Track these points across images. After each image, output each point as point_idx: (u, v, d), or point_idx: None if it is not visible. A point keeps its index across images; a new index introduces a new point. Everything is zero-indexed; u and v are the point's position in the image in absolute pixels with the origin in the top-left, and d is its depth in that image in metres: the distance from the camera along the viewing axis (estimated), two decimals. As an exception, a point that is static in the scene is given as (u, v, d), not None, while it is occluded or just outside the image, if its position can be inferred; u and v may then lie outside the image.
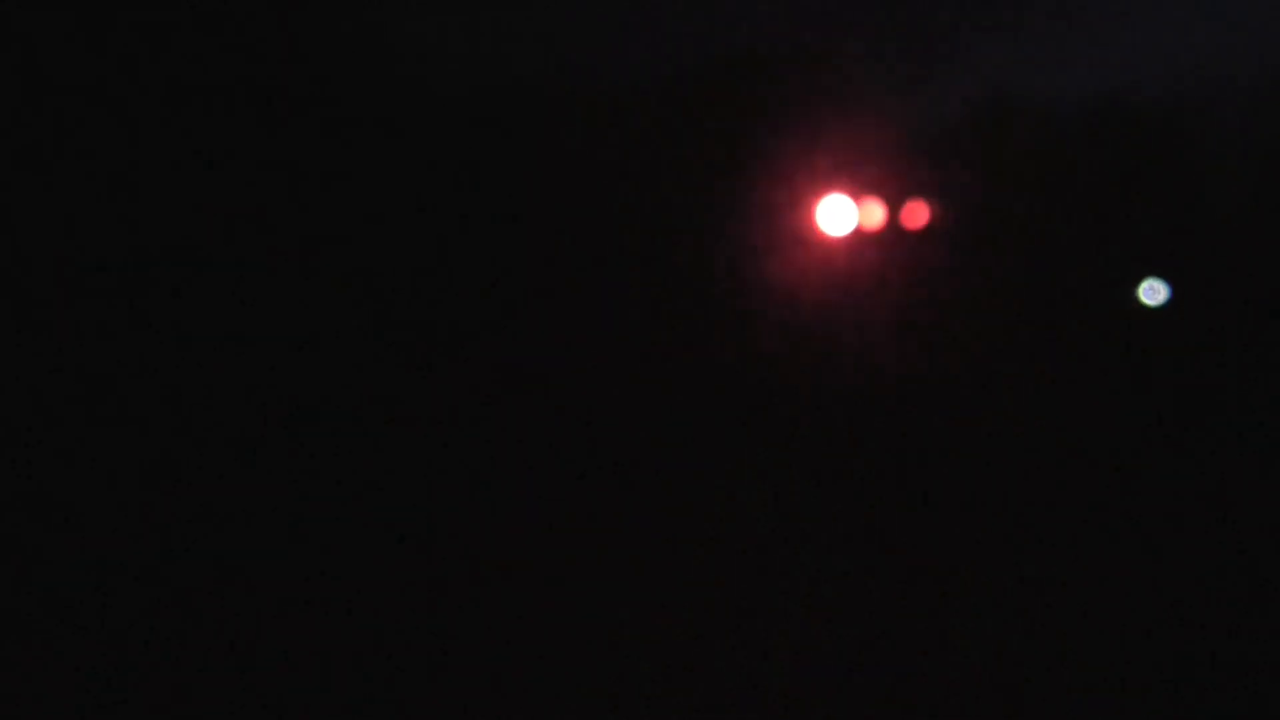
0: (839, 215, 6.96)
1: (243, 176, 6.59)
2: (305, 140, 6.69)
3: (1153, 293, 7.10)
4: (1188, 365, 6.98)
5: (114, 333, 6.39)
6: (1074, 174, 7.23)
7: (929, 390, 6.89)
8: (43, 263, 6.36)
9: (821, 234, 6.96)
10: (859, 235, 6.97)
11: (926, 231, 7.02)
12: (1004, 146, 7.24)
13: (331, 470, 6.46)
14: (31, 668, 5.72)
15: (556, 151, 6.88)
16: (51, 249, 6.38)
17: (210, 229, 6.56)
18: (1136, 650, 6.17)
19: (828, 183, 6.95)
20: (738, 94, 7.03)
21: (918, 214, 7.02)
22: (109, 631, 5.91)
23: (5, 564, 5.96)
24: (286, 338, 6.56)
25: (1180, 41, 7.03)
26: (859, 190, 6.96)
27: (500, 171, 6.87)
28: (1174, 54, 7.06)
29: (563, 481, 6.56)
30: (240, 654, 5.93)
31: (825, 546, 6.53)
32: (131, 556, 6.12)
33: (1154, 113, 7.29)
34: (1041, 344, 6.98)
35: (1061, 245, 7.12)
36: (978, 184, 7.14)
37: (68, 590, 5.98)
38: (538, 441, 6.66)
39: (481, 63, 6.92)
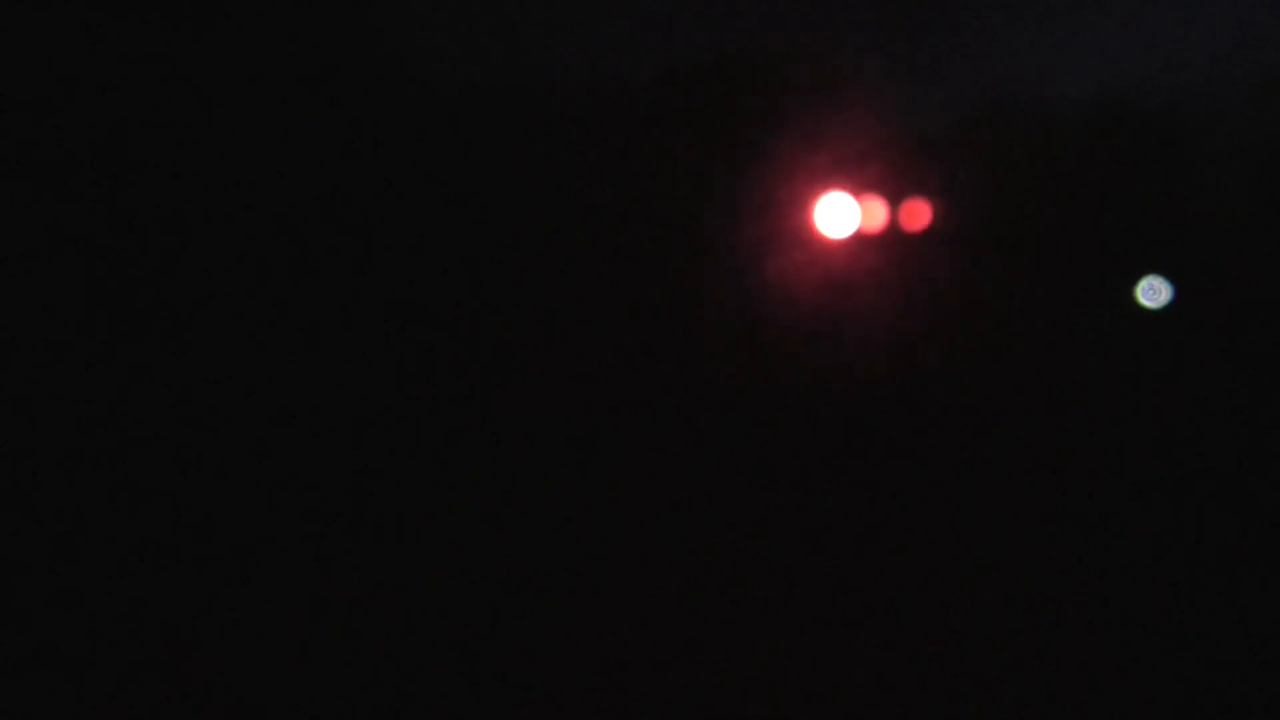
0: (839, 215, 6.96)
1: (241, 176, 6.60)
2: (304, 141, 6.70)
3: (1153, 293, 7.10)
4: (1188, 365, 6.98)
5: (118, 332, 6.40)
6: (1074, 174, 7.23)
7: (927, 389, 6.89)
8: (45, 263, 6.36)
9: (821, 234, 6.97)
10: (859, 236, 6.98)
11: (926, 232, 7.02)
12: (1004, 146, 7.25)
13: (330, 470, 6.47)
14: (31, 668, 5.73)
15: (555, 151, 6.88)
16: (53, 250, 6.39)
17: (209, 229, 6.57)
18: (1136, 650, 6.17)
19: (827, 183, 6.95)
20: (737, 94, 7.03)
21: (917, 214, 7.03)
22: (109, 631, 5.92)
23: (5, 564, 5.97)
24: (283, 337, 6.56)
25: (1180, 41, 7.03)
26: (859, 190, 6.96)
27: (498, 171, 6.87)
28: (1174, 54, 7.06)
29: (560, 481, 6.56)
30: (239, 654, 5.93)
31: (825, 545, 6.53)
32: (131, 556, 6.13)
33: (1154, 113, 7.29)
34: (1040, 343, 6.98)
35: (1061, 245, 7.12)
36: (978, 184, 7.15)
37: (67, 590, 5.99)
38: (536, 440, 6.66)
39: (481, 63, 6.92)
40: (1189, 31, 7.03)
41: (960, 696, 6.00)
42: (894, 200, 7.00)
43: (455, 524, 6.47)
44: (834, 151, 6.93)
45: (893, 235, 6.99)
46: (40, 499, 6.13)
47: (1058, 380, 6.94)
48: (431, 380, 6.72)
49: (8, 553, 5.98)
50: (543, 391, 6.72)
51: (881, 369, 6.91)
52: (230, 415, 6.45)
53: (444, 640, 6.09)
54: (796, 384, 6.84)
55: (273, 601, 6.10)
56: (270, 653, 5.92)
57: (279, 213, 6.64)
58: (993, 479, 6.72)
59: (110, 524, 6.17)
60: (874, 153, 6.95)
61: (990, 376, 6.90)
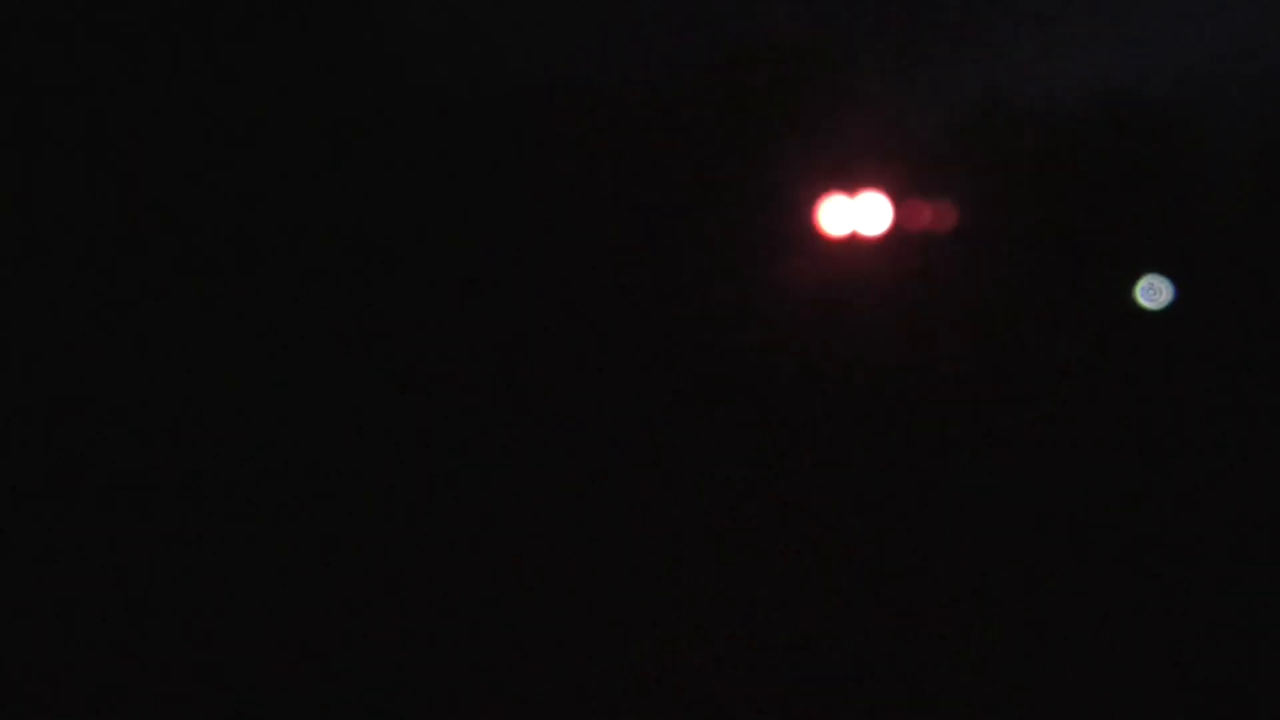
0: (837, 215, 6.96)
1: (243, 178, 6.60)
2: (305, 142, 6.70)
3: (1153, 293, 7.10)
4: (1187, 366, 6.98)
5: (120, 334, 6.41)
6: (1074, 174, 7.23)
7: (926, 390, 6.89)
8: (45, 263, 6.37)
9: (819, 234, 6.97)
10: (857, 236, 6.98)
11: (924, 232, 7.02)
12: (1004, 146, 7.24)
13: (329, 471, 6.47)
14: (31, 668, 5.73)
15: (553, 151, 6.89)
16: (53, 250, 6.39)
17: (210, 230, 6.57)
18: (1137, 652, 6.17)
19: (825, 183, 6.95)
20: (735, 93, 7.03)
21: (917, 214, 7.03)
22: (109, 632, 5.92)
23: (5, 564, 5.97)
24: (285, 339, 6.57)
25: (1180, 41, 7.03)
26: (857, 190, 6.97)
27: (496, 171, 6.87)
28: (1174, 54, 7.06)
29: (560, 482, 6.57)
30: (240, 655, 5.93)
31: (825, 546, 6.53)
32: (132, 555, 6.14)
33: (1154, 113, 7.28)
34: (1040, 345, 6.98)
35: (1060, 246, 7.12)
36: (977, 184, 7.14)
37: (68, 590, 5.99)
38: (535, 440, 6.67)
39: (479, 62, 6.92)
40: (1189, 32, 7.03)
41: (961, 696, 6.00)
42: (892, 200, 7.01)
43: (455, 524, 6.47)
44: (832, 151, 6.93)
45: (891, 235, 6.99)
46: (39, 497, 6.13)
47: (1057, 381, 6.94)
48: (434, 379, 6.72)
49: (8, 553, 5.98)
50: (542, 389, 6.73)
51: (881, 369, 6.92)
52: (230, 417, 6.46)
53: (444, 641, 6.10)
54: (798, 383, 6.85)
55: (273, 601, 6.10)
56: (270, 653, 5.92)
57: (281, 214, 6.65)
58: (992, 479, 6.72)
59: (109, 524, 6.18)
60: (873, 153, 6.96)
61: (989, 377, 6.90)
